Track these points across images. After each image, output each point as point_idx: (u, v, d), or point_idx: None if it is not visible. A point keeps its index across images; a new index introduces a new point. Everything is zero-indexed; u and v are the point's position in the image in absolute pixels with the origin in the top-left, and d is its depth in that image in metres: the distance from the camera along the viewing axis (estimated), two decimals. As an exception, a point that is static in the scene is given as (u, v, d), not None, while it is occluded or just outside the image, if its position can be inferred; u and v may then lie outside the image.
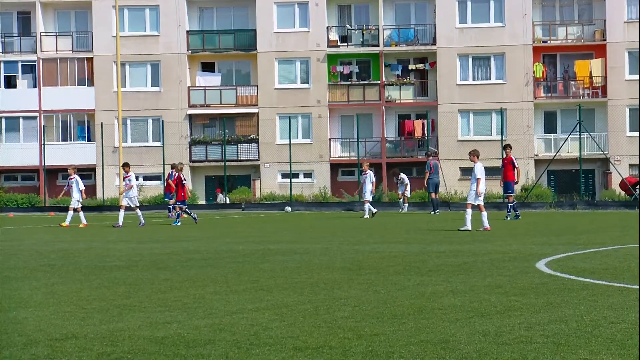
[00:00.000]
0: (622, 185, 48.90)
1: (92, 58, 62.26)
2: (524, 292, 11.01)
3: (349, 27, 61.70)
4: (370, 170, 38.37)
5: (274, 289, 11.79)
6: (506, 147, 34.36)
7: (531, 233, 24.20)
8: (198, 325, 8.82)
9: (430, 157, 41.37)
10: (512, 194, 33.96)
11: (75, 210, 32.83)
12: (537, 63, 59.89)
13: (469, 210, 24.85)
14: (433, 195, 40.47)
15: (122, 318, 9.37)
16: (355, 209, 46.66)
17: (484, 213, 25.10)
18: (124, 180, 32.89)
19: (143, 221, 32.03)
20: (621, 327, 8.43)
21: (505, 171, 33.76)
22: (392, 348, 7.58)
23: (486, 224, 24.96)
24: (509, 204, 33.35)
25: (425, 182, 40.61)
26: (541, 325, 8.57)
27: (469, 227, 24.59)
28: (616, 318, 8.92)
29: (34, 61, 62.37)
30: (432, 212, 39.65)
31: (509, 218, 32.59)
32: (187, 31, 62.09)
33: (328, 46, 61.20)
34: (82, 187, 33.07)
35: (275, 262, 15.88)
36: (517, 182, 34.36)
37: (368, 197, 37.32)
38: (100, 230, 29.28)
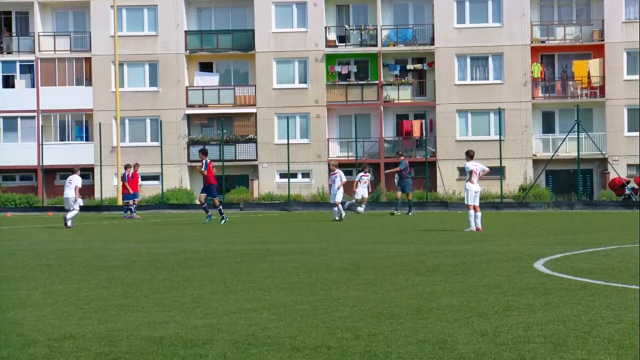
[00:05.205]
0: (612, 185, 49.16)
1: (90, 58, 62.23)
2: (522, 292, 11.01)
3: (347, 27, 61.69)
4: (339, 169, 35.93)
5: (272, 289, 11.79)
6: (202, 151, 33.15)
7: (529, 233, 24.22)
8: (196, 325, 8.82)
9: (403, 156, 40.35)
10: (216, 197, 33.13)
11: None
12: (535, 63, 59.91)
13: (472, 212, 25.04)
14: (410, 195, 39.49)
15: (120, 318, 9.36)
16: (354, 208, 46.60)
17: (479, 214, 25.26)
18: None
19: None
20: (619, 327, 8.43)
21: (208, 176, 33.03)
22: (390, 348, 7.58)
23: (478, 225, 25.08)
24: (217, 207, 32.62)
25: (397, 181, 39.53)
26: (539, 325, 8.58)
27: (473, 228, 24.82)
28: (614, 318, 8.93)
29: (32, 61, 62.34)
30: (396, 212, 38.80)
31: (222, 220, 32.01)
32: (186, 31, 62.08)
33: (326, 46, 61.19)
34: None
35: (273, 262, 15.88)
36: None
37: (339, 198, 34.74)
38: (98, 230, 29.26)
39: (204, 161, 32.73)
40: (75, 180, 31.74)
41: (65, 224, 30.78)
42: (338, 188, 34.88)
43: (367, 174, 42.00)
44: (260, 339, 8.07)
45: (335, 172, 35.55)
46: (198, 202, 32.91)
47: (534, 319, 8.96)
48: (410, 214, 38.96)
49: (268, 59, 61.25)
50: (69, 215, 31.18)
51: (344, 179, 35.60)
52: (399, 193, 39.59)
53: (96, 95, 61.88)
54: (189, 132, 61.99)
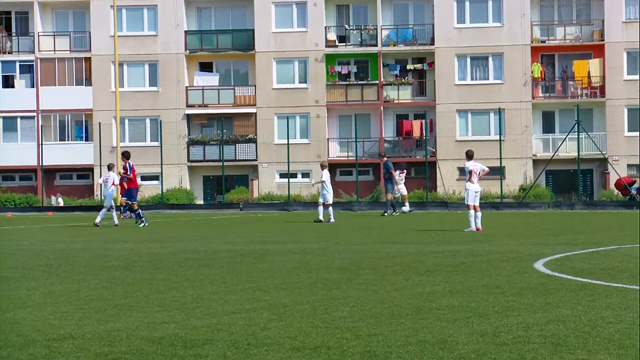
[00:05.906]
0: (617, 185, 49.21)
1: (90, 58, 62.24)
2: (522, 292, 11.01)
3: (347, 27, 61.70)
4: (324, 170, 34.57)
5: (271, 289, 11.78)
6: (124, 154, 32.52)
7: (529, 233, 24.22)
8: (196, 326, 8.81)
9: (386, 157, 40.05)
10: (135, 202, 32.60)
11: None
12: (535, 63, 59.91)
13: (472, 212, 25.10)
14: (391, 196, 39.14)
15: (120, 318, 9.36)
16: (354, 208, 46.67)
17: (479, 214, 25.30)
18: None
19: None
20: (619, 327, 8.43)
21: (127, 180, 32.59)
22: (390, 348, 7.57)
23: (478, 225, 25.11)
24: (135, 211, 31.96)
25: (386, 184, 39.07)
26: (539, 325, 8.57)
27: (473, 228, 24.87)
28: (614, 318, 8.92)
29: (32, 61, 62.35)
30: (394, 213, 38.58)
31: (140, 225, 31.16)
32: (185, 31, 62.08)
33: (326, 46, 61.19)
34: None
35: (273, 262, 15.87)
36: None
37: (327, 199, 33.73)
38: (98, 230, 29.26)
39: (127, 164, 32.15)
40: (112, 177, 32.46)
41: (95, 223, 31.78)
42: (314, 185, 34.31)
43: (404, 170, 41.97)
44: (260, 339, 8.07)
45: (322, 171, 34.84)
46: (121, 206, 32.55)
47: (534, 319, 8.95)
48: (386, 214, 38.40)
49: (268, 59, 61.25)
50: (98, 218, 32.02)
51: (323, 178, 34.05)
52: (389, 195, 39.20)
53: (96, 95, 61.89)
54: (189, 132, 61.99)
